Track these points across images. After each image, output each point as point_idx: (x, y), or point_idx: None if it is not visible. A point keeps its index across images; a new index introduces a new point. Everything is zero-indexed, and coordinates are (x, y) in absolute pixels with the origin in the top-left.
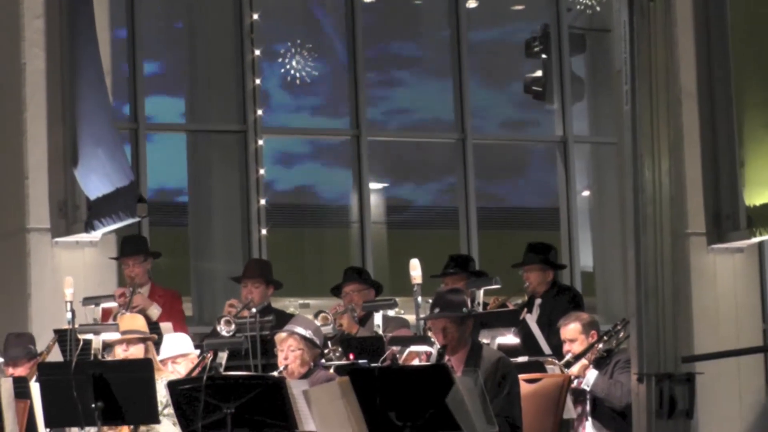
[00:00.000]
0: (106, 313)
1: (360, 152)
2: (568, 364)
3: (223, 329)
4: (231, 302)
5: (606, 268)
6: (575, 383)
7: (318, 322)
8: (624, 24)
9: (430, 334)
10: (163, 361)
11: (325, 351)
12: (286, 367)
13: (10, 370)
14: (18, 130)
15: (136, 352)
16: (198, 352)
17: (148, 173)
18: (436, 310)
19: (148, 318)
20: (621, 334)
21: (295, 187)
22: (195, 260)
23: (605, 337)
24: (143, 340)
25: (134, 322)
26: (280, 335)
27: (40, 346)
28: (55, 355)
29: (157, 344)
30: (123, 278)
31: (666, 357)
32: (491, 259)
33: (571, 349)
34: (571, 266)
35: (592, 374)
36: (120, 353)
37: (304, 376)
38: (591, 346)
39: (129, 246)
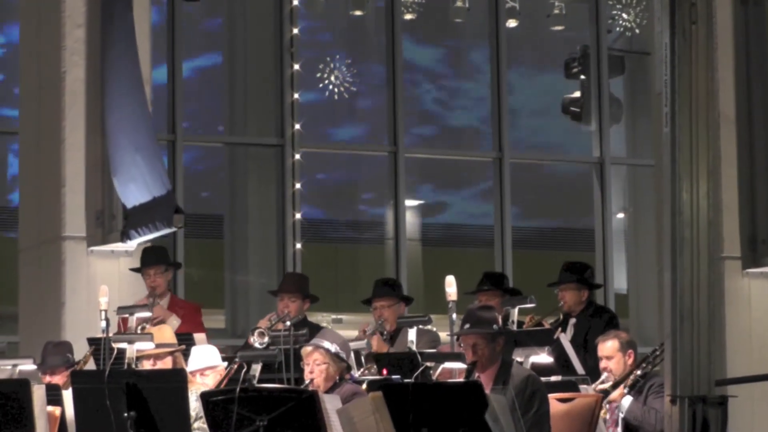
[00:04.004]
0: (125, 323)
1: (397, 168)
2: (606, 393)
3: (257, 341)
4: (269, 316)
5: (640, 291)
6: (607, 407)
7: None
8: (665, 46)
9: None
10: (192, 374)
11: (361, 370)
12: (311, 381)
13: (48, 378)
14: (56, 138)
15: (164, 365)
16: (225, 364)
17: (184, 184)
18: (467, 326)
19: None
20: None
21: (331, 201)
22: (229, 273)
23: (644, 364)
24: (171, 353)
25: (161, 334)
26: (306, 349)
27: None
28: (90, 364)
29: (185, 354)
30: None
31: (699, 380)
32: (525, 278)
33: (608, 366)
34: (606, 288)
35: (626, 400)
36: (147, 367)
37: (330, 390)
38: (629, 374)
39: (150, 256)
